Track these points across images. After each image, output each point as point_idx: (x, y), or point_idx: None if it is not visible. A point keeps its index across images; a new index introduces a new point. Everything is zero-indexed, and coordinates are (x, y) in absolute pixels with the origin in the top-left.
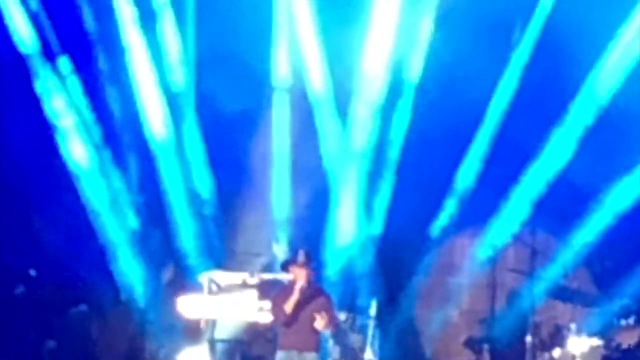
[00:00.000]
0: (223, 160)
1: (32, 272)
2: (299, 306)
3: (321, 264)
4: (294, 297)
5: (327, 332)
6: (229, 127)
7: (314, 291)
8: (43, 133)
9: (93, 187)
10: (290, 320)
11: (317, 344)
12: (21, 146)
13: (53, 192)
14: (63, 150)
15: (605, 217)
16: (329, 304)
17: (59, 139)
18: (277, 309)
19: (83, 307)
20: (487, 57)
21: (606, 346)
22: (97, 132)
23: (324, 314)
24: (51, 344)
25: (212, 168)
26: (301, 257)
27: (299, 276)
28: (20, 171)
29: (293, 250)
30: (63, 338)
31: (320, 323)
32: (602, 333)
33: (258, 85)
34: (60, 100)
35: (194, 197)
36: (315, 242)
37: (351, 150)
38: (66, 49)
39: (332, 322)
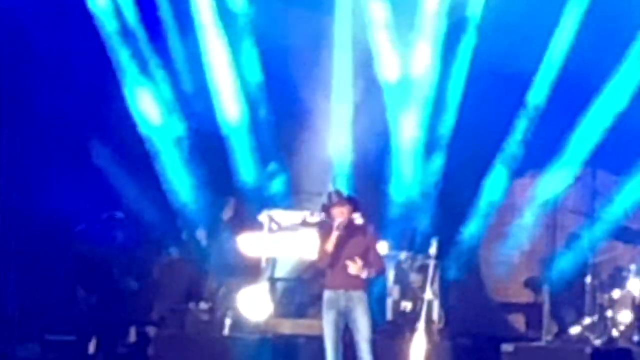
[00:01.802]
0: (282, 92)
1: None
2: (342, 245)
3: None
4: (333, 235)
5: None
6: (288, 58)
7: (356, 228)
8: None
9: (145, 103)
10: (334, 260)
11: (363, 282)
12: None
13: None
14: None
15: None
16: (372, 241)
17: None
18: (319, 249)
19: (148, 246)
20: None
21: None
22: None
23: (357, 259)
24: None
25: (270, 102)
26: (333, 197)
27: (337, 215)
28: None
29: (350, 189)
30: None
31: (353, 268)
32: None
33: (319, 15)
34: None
35: (253, 133)
36: (376, 180)
37: (412, 79)
38: None
39: (372, 264)
